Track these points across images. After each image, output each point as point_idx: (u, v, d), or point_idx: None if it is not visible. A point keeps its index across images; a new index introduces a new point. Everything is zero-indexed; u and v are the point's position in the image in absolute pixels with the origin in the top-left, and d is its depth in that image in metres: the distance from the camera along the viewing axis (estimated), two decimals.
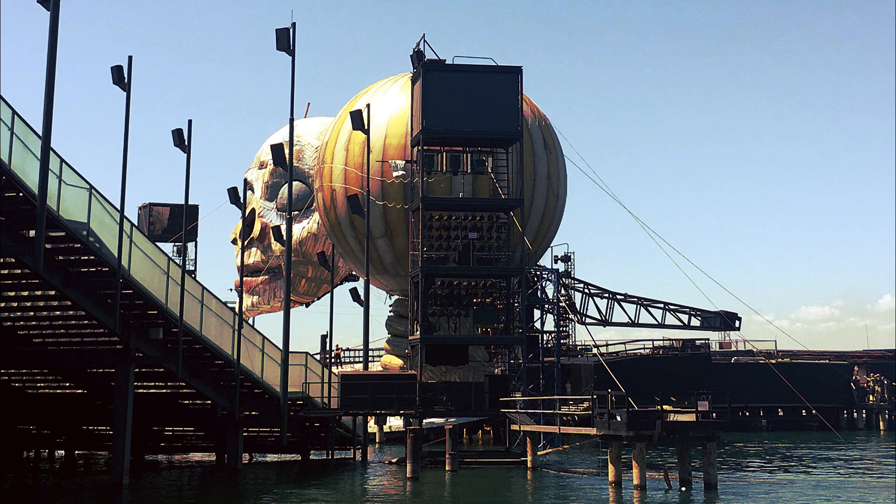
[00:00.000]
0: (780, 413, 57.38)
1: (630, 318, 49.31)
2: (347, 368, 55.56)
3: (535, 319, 42.40)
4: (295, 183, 51.73)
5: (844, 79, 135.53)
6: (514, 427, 35.19)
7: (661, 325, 50.64)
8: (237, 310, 32.62)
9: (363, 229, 41.19)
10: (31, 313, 26.78)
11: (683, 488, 26.02)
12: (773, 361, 54.39)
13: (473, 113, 38.44)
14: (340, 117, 47.42)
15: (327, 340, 54.80)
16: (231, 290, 56.82)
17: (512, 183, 41.36)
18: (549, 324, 43.15)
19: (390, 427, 47.69)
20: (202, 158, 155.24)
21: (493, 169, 41.07)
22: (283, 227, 43.88)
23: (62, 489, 28.01)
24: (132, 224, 26.12)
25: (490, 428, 48.35)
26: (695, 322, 51.34)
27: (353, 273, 55.33)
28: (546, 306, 42.70)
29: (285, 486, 28.95)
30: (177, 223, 53.62)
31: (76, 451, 37.27)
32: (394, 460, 35.78)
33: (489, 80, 38.79)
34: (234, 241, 58.21)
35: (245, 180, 54.00)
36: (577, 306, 47.15)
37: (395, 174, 42.49)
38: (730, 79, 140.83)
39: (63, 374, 30.85)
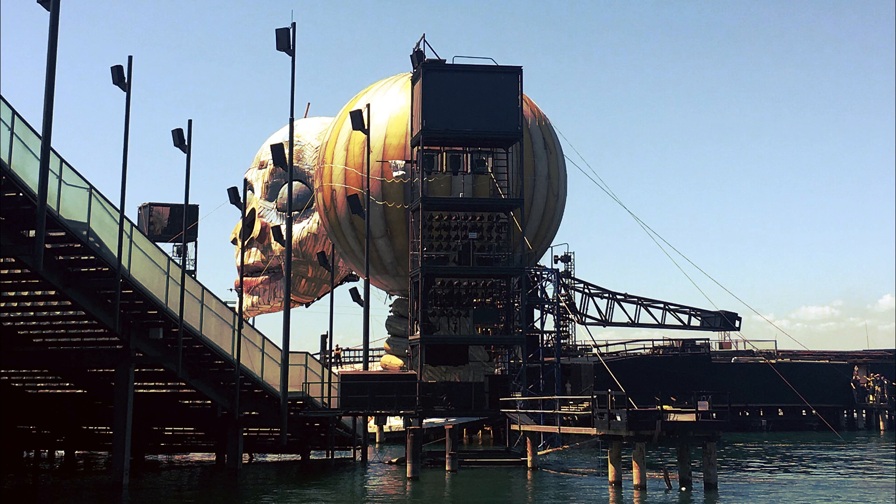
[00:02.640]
0: (780, 413, 57.36)
1: (630, 318, 49.30)
2: (347, 368, 55.55)
3: (535, 319, 42.40)
4: (295, 183, 51.72)
5: (844, 79, 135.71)
6: (514, 427, 35.18)
7: (661, 325, 50.64)
8: (237, 310, 32.62)
9: (363, 229, 41.18)
10: (31, 313, 26.77)
11: (683, 488, 26.01)
12: (773, 361, 54.36)
13: (473, 113, 38.44)
14: (340, 117, 47.41)
15: (327, 340, 54.82)
16: (231, 290, 56.87)
17: (512, 183, 41.35)
18: (549, 324, 43.21)
19: (390, 427, 47.67)
20: (202, 158, 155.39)
21: (493, 169, 41.06)
22: (283, 227, 43.87)
23: (62, 489, 28.00)
24: (132, 224, 26.11)
25: (490, 428, 48.34)
26: (695, 322, 51.34)
27: (353, 273, 55.32)
28: (546, 306, 42.69)
29: (285, 486, 28.93)
30: (177, 223, 53.63)
31: (76, 451, 37.24)
32: (394, 460, 35.76)
33: (489, 80, 38.79)
34: (234, 241, 58.21)
35: (245, 180, 54.01)
36: (577, 306, 47.14)
37: (395, 174, 42.48)
38: (730, 79, 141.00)
39: (63, 374, 30.85)
